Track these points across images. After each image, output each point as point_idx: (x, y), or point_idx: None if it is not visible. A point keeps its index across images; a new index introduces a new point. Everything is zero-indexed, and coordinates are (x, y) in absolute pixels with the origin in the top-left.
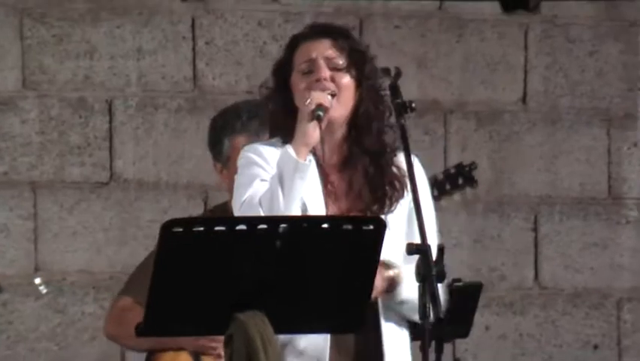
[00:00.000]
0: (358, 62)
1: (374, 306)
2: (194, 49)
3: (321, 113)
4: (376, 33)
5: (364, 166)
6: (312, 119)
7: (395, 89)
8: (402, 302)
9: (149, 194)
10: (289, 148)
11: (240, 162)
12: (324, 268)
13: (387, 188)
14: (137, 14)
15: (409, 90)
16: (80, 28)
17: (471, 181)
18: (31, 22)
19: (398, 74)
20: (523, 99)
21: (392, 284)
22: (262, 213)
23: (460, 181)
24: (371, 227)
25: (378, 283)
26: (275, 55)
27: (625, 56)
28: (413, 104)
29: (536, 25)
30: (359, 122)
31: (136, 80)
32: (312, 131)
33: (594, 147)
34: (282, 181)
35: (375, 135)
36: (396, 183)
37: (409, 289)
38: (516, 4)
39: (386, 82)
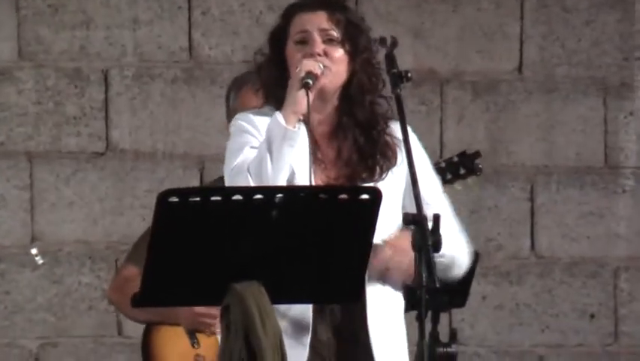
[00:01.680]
0: (353, 34)
1: None
2: (190, 19)
3: (310, 81)
4: (373, 3)
5: (354, 137)
6: (301, 87)
7: (391, 59)
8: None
9: (145, 164)
10: (278, 115)
11: (232, 129)
12: (321, 237)
13: (378, 157)
14: None
15: (405, 60)
16: None
17: (474, 171)
18: None
19: (394, 43)
20: (520, 69)
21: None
22: (250, 180)
23: (462, 171)
24: (367, 197)
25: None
26: (271, 25)
27: (621, 25)
28: (409, 74)
29: None
30: (351, 94)
31: (132, 51)
32: (301, 99)
33: (590, 117)
34: (271, 148)
35: (367, 107)
36: (388, 152)
37: None
38: None
39: (382, 52)
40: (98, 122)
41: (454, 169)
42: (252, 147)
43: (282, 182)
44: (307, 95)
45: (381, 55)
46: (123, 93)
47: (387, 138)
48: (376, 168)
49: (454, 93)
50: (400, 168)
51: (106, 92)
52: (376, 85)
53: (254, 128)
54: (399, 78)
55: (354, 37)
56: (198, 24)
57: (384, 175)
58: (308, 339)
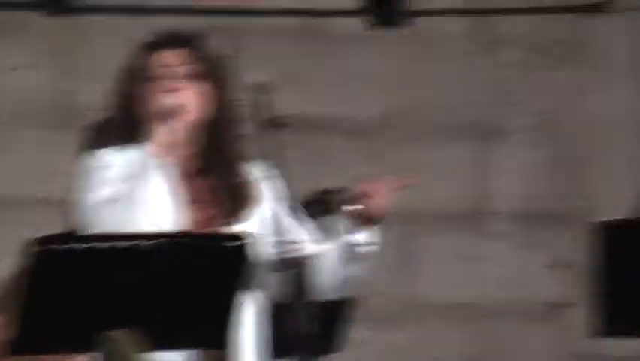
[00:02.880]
0: (213, 71)
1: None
2: (63, 65)
3: (175, 113)
4: (250, 47)
5: (225, 174)
6: (163, 120)
7: (268, 104)
8: (369, 244)
9: (20, 212)
10: (142, 147)
11: (80, 167)
12: (189, 284)
13: (245, 196)
14: None
15: (278, 105)
16: None
17: (337, 208)
18: None
19: (270, 88)
20: (393, 113)
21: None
22: (116, 211)
23: (326, 208)
24: (236, 243)
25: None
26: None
27: (493, 71)
28: (285, 120)
29: (402, 40)
30: (217, 131)
31: (3, 95)
32: (164, 133)
33: (463, 161)
34: (137, 178)
35: (234, 144)
36: (254, 191)
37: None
38: (382, 21)
39: (259, 97)
40: None
41: (318, 206)
42: (109, 180)
43: (149, 214)
44: (172, 128)
45: (257, 99)
46: None
47: (251, 178)
48: (246, 207)
49: (328, 138)
50: (265, 204)
51: None
52: (239, 121)
53: (104, 164)
54: (273, 124)
55: (214, 74)
56: (70, 70)
57: (252, 214)
58: None
